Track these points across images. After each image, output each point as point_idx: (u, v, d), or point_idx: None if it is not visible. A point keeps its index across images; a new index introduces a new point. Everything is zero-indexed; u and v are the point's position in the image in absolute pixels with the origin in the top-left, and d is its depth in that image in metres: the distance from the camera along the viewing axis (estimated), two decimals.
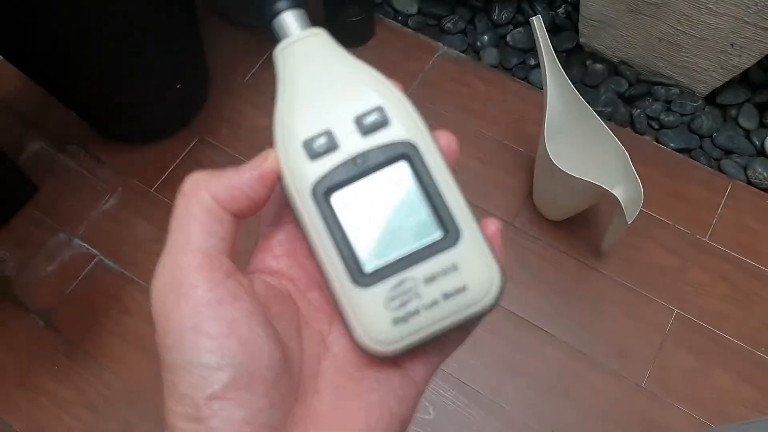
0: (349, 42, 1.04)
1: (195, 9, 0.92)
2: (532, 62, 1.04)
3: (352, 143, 0.22)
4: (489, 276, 0.22)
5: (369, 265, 0.22)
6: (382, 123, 0.22)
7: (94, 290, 0.89)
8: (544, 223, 0.91)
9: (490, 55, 1.05)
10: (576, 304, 0.86)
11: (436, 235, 0.22)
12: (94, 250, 0.91)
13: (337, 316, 0.23)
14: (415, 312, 0.21)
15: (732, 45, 0.89)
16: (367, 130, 0.22)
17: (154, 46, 0.86)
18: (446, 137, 0.24)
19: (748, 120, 0.97)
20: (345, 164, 0.22)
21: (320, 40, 0.24)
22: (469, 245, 0.22)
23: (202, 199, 0.22)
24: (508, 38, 1.05)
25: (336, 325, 0.24)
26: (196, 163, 0.97)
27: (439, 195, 0.22)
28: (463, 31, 1.07)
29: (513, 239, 0.90)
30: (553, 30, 1.06)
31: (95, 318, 0.87)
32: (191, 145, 0.99)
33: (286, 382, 0.21)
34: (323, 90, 0.23)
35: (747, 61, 0.90)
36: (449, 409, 0.80)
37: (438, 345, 0.23)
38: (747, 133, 0.97)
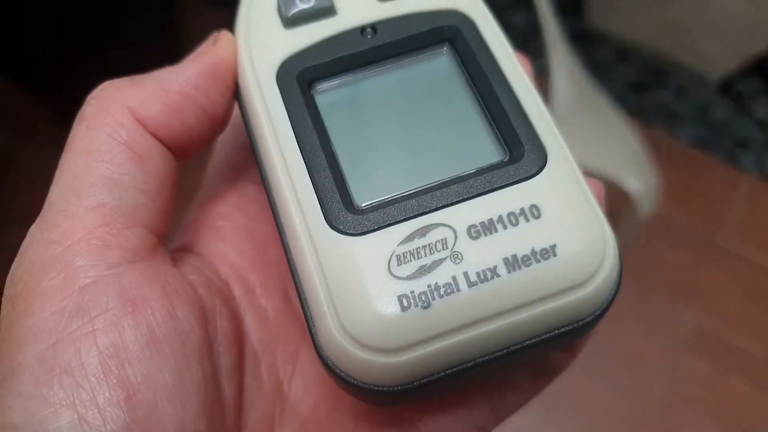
0: None
1: None
2: (536, 48, 0.98)
3: (361, 6, 0.14)
4: (602, 242, 0.12)
5: (363, 198, 0.12)
6: None
7: None
8: None
9: None
10: None
11: (497, 154, 0.13)
12: None
13: (306, 340, 0.13)
14: (449, 290, 0.11)
15: (745, 29, 0.84)
16: None
17: (120, 23, 0.79)
18: (522, 60, 0.15)
19: (764, 110, 0.92)
20: (343, 36, 0.13)
21: None
22: (563, 180, 0.12)
23: (114, 118, 0.13)
24: (512, 22, 0.99)
25: (306, 351, 0.13)
26: None
27: (513, 100, 0.13)
28: None
29: None
30: (556, 12, 1.00)
31: None
32: None
33: None
34: None
35: (761, 47, 0.85)
36: None
37: (494, 383, 0.13)
38: (763, 124, 0.92)
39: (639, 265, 0.83)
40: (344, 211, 0.12)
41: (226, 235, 0.15)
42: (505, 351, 0.11)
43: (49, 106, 0.91)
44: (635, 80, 0.95)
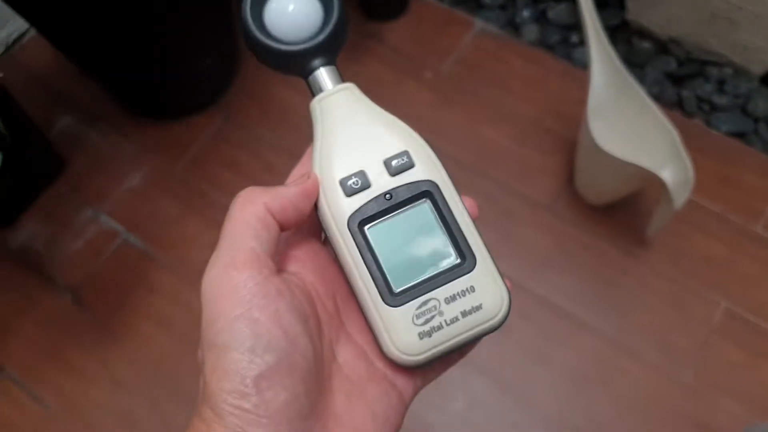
0: (382, 16, 1.00)
1: None
2: (574, 39, 0.99)
3: (382, 182, 0.26)
4: (500, 297, 0.25)
5: (398, 287, 0.25)
6: (408, 165, 0.26)
7: (120, 267, 0.88)
8: (585, 208, 0.86)
9: (530, 31, 1.00)
10: (616, 294, 0.82)
11: (456, 261, 0.26)
12: (120, 227, 0.91)
13: (343, 328, 0.27)
14: (438, 327, 0.25)
15: None
16: (394, 171, 0.26)
17: (183, 21, 0.84)
18: (469, 201, 0.27)
19: None
20: (376, 199, 0.26)
21: (352, 93, 0.28)
22: (483, 270, 0.25)
23: (256, 207, 0.24)
24: (550, 14, 1.00)
25: (343, 334, 0.27)
26: (223, 140, 0.96)
27: (457, 226, 0.26)
28: (502, 6, 1.03)
29: (551, 223, 0.86)
30: (597, 6, 1.00)
31: (121, 295, 0.86)
32: (219, 122, 0.97)
33: (315, 375, 0.23)
34: (356, 136, 0.27)
35: None
36: (478, 398, 0.77)
37: (425, 368, 0.26)
38: None
39: (673, 252, 0.84)
40: (388, 295, 0.25)
41: (304, 263, 0.27)
42: (459, 347, 0.25)
43: (113, 95, 0.97)
44: (676, 72, 0.95)
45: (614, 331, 0.79)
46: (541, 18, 1.01)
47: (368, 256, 0.25)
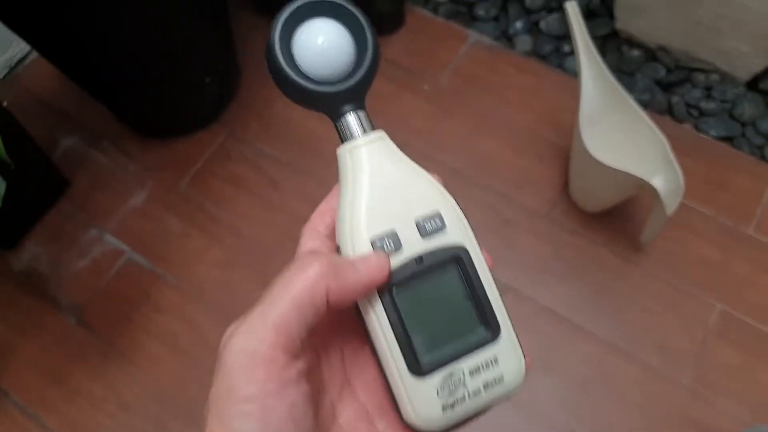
0: (379, 31, 1.02)
1: (226, 1, 0.92)
2: (567, 49, 1.01)
3: (414, 243, 0.25)
4: (519, 366, 0.26)
5: (425, 358, 0.24)
6: (440, 227, 0.25)
7: (126, 286, 0.89)
8: (581, 215, 0.88)
9: (524, 42, 1.02)
10: (614, 299, 0.84)
11: (481, 331, 0.25)
12: (124, 246, 0.91)
13: (348, 384, 0.26)
14: (461, 400, 0.25)
15: None
16: (426, 233, 0.25)
17: (184, 40, 0.85)
18: (486, 256, 0.26)
19: None
20: (408, 264, 0.25)
21: (384, 144, 0.26)
22: (507, 341, 0.25)
23: (316, 288, 0.23)
24: (542, 25, 1.03)
25: (347, 391, 0.26)
26: (226, 157, 0.97)
27: (485, 296, 0.25)
28: (496, 18, 1.05)
29: (549, 231, 0.88)
30: (587, 15, 1.02)
31: (127, 315, 0.87)
32: (221, 139, 0.98)
33: None
34: (387, 191, 0.26)
35: None
36: None
37: None
38: None
39: (668, 256, 0.85)
40: (414, 365, 0.24)
41: (326, 337, 0.26)
42: (476, 415, 0.25)
43: (116, 115, 0.99)
44: (664, 79, 0.97)
45: (613, 336, 0.81)
46: (533, 29, 1.03)
47: (396, 322, 0.24)
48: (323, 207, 0.27)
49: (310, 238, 0.26)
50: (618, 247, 0.86)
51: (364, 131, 0.26)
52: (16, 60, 1.07)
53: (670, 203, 0.72)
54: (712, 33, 0.91)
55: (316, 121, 0.94)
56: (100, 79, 0.87)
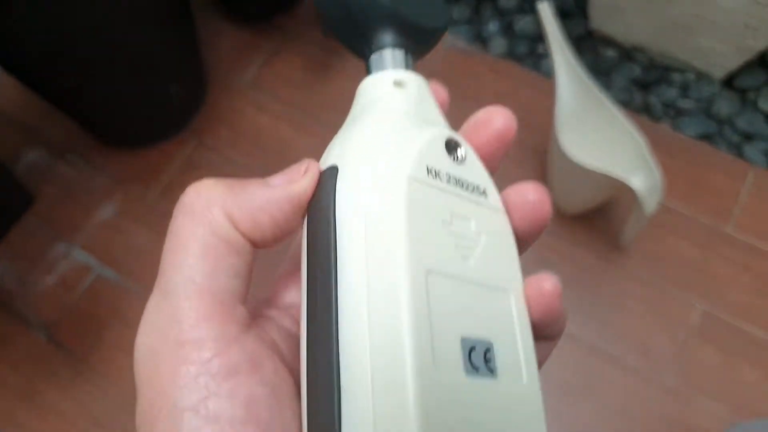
0: None
1: (189, 4, 0.89)
2: (541, 50, 1.00)
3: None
4: None
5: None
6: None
7: (95, 301, 0.86)
8: (560, 217, 0.87)
9: (498, 44, 1.01)
10: (595, 301, 0.83)
11: None
12: (93, 260, 0.89)
13: None
14: None
15: (746, 26, 0.85)
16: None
17: (143, 46, 0.83)
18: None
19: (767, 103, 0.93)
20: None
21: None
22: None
23: (216, 221, 0.16)
24: (516, 26, 1.02)
25: None
26: (195, 167, 0.95)
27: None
28: (469, 21, 1.04)
29: None
30: (561, 16, 1.02)
31: (97, 331, 0.84)
32: (191, 148, 0.96)
33: None
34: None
35: (763, 43, 0.86)
36: None
37: None
38: (767, 117, 0.93)
39: (648, 257, 0.85)
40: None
41: (296, 298, 0.19)
42: None
43: (81, 126, 0.96)
44: (640, 78, 0.97)
45: (595, 339, 0.80)
46: (508, 31, 1.02)
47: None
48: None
49: None
50: (598, 249, 0.85)
51: (403, 70, 0.22)
52: None
53: (649, 203, 0.71)
54: (686, 32, 0.91)
55: (286, 128, 0.93)
56: (60, 88, 0.84)
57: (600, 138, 0.78)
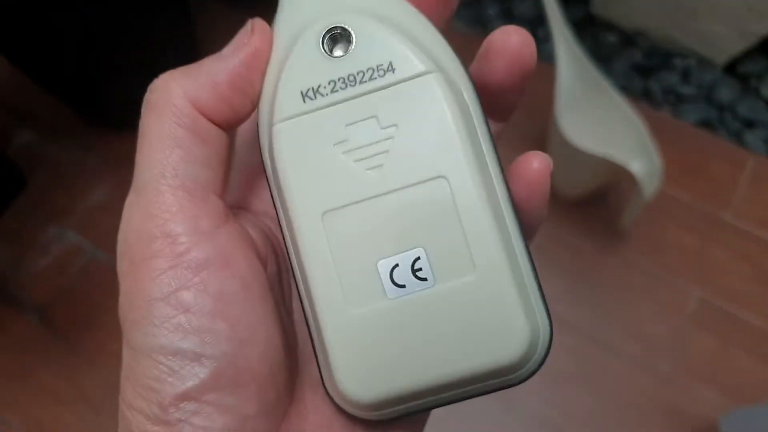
0: None
1: None
2: (541, 34, 0.99)
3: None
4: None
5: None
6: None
7: (88, 283, 0.86)
8: (560, 203, 0.87)
9: (498, 28, 1.00)
10: (591, 288, 0.83)
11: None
12: (86, 243, 0.88)
13: None
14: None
15: (750, 9, 0.84)
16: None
17: (139, 27, 0.81)
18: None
19: None
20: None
21: None
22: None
23: (179, 112, 0.16)
24: (516, 10, 1.00)
25: None
26: None
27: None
28: (468, 4, 1.02)
29: None
30: (562, 1, 1.00)
31: (90, 312, 0.84)
32: None
33: (284, 377, 0.16)
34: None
35: (766, 27, 0.85)
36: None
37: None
38: None
39: (646, 243, 0.84)
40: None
41: (266, 198, 0.19)
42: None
43: (72, 108, 0.94)
44: (641, 63, 0.96)
45: (591, 326, 0.80)
46: (507, 14, 1.01)
47: None
48: None
49: None
50: (596, 236, 0.85)
51: None
52: None
53: (648, 187, 0.71)
54: (688, 16, 0.90)
55: None
56: (51, 70, 0.83)
57: (600, 122, 0.77)
